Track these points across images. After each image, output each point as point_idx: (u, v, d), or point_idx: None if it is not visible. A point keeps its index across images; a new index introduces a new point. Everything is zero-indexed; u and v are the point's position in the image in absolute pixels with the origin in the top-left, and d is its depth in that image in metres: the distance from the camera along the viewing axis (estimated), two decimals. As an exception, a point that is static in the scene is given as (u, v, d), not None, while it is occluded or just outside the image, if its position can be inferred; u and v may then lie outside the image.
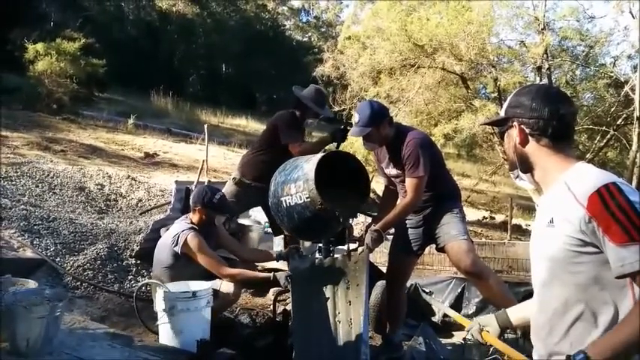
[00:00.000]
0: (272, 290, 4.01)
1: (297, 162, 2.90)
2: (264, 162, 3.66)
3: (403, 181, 3.08)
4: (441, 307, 2.25)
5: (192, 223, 3.30)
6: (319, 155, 2.76)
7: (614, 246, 1.20)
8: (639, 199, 1.23)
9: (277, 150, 3.56)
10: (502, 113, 1.50)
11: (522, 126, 1.42)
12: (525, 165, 1.45)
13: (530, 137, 1.41)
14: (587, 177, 1.31)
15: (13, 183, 6.01)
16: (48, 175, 6.61)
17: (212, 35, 25.71)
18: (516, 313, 1.66)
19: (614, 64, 12.36)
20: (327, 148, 3.86)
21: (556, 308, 1.35)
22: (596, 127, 11.99)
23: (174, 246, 3.20)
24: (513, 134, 1.45)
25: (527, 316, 1.60)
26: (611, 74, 11.99)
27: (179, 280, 3.17)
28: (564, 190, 1.31)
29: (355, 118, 3.02)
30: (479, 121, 9.49)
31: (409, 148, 2.95)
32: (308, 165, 2.71)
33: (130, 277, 4.23)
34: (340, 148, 3.73)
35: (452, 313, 2.06)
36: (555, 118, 1.38)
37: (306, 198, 2.65)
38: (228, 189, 3.85)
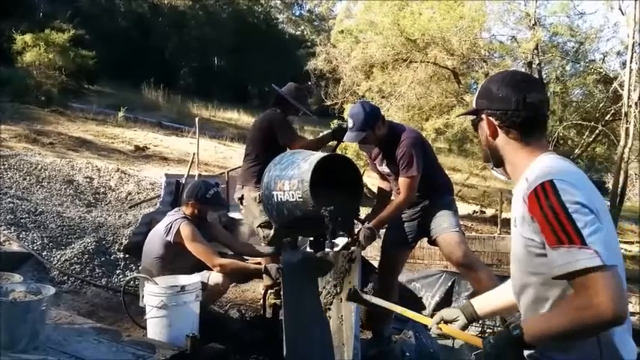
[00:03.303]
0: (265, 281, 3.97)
1: (294, 157, 2.87)
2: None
3: (396, 179, 3.10)
4: (389, 305, 2.15)
5: (185, 214, 3.29)
6: (317, 157, 2.72)
7: (549, 248, 1.18)
8: (576, 197, 1.18)
9: (276, 153, 3.36)
10: (473, 103, 1.44)
11: (491, 118, 1.37)
12: (496, 158, 1.41)
13: (499, 129, 1.36)
14: (535, 173, 1.26)
15: (0, 176, 5.93)
16: (36, 167, 6.53)
17: (204, 28, 25.47)
18: (482, 304, 1.61)
19: (604, 60, 12.46)
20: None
21: (527, 305, 1.35)
22: (585, 123, 12.08)
23: (167, 236, 3.18)
24: (484, 126, 1.40)
25: (493, 306, 1.58)
26: (601, 70, 12.07)
27: (169, 271, 3.15)
28: (525, 188, 1.27)
29: (349, 123, 3.01)
30: (470, 117, 9.52)
31: (402, 148, 2.96)
32: (305, 165, 2.68)
33: (118, 272, 4.20)
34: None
35: (400, 309, 2.01)
36: (522, 107, 1.31)
37: (299, 198, 2.63)
38: (256, 210, 3.53)
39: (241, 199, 3.67)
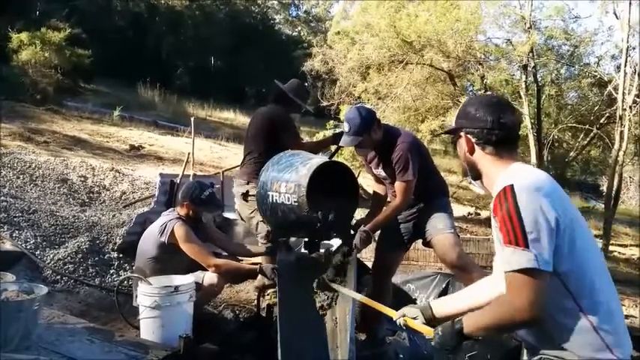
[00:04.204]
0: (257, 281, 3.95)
1: (293, 159, 2.86)
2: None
3: (392, 183, 3.12)
4: (358, 297, 2.29)
5: (179, 215, 3.28)
6: (316, 162, 2.71)
7: (502, 245, 1.34)
8: (530, 202, 1.31)
9: (279, 151, 3.27)
10: (453, 123, 1.62)
11: (469, 135, 1.54)
12: (474, 172, 1.58)
13: (476, 146, 1.53)
14: (504, 180, 1.41)
15: (-6, 174, 5.89)
16: (30, 166, 6.49)
17: (201, 28, 25.41)
18: (440, 308, 1.72)
19: (598, 63, 12.52)
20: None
21: None
22: (580, 126, 12.15)
23: (161, 236, 3.16)
24: (462, 143, 1.56)
25: (450, 311, 1.68)
26: (595, 74, 12.14)
27: (162, 272, 3.14)
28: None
29: (345, 127, 3.02)
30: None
31: (398, 152, 2.98)
32: (303, 169, 2.67)
33: (111, 271, 4.17)
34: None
35: (368, 301, 2.13)
36: (497, 126, 1.48)
37: (294, 202, 2.63)
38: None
39: (245, 194, 3.57)
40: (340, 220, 2.82)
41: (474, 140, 1.53)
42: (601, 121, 12.11)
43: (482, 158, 1.53)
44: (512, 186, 1.34)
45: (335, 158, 3.82)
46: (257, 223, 3.51)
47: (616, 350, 1.35)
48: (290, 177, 2.71)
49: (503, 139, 1.50)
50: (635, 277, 8.90)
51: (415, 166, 2.98)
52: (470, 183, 1.65)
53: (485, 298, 1.56)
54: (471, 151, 1.55)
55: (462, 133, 1.56)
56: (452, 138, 1.65)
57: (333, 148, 3.71)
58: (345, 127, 3.02)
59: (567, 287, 1.35)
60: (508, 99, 11.74)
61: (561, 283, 1.35)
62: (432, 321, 1.69)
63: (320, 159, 2.87)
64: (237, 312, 3.81)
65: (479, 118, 1.51)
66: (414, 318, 1.72)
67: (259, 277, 3.31)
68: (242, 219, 3.74)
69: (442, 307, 1.72)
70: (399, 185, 3.02)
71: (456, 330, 1.45)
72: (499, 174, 1.47)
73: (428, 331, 1.62)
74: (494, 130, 1.48)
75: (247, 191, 3.55)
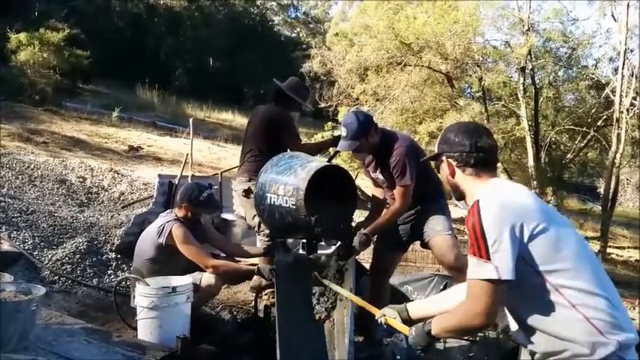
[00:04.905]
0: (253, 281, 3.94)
1: (292, 162, 2.87)
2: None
3: (389, 187, 3.15)
4: (346, 294, 2.45)
5: (177, 216, 3.28)
6: (315, 166, 2.71)
7: (468, 255, 1.46)
8: (493, 217, 1.41)
9: (278, 150, 3.29)
10: (435, 149, 1.74)
11: (449, 159, 1.66)
12: (457, 193, 1.69)
13: (457, 169, 1.65)
14: (477, 195, 1.52)
15: (-8, 175, 5.89)
16: (28, 167, 6.49)
17: (200, 29, 25.42)
18: (415, 310, 1.83)
19: (596, 66, 12.55)
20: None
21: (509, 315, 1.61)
22: (577, 128, 12.18)
23: (159, 237, 3.17)
24: (445, 167, 1.69)
25: (424, 313, 1.79)
26: (593, 76, 12.17)
27: (160, 273, 3.14)
28: None
29: (343, 132, 3.04)
30: (464, 120, 9.61)
31: (395, 157, 3.00)
32: (302, 173, 2.68)
33: (109, 272, 4.18)
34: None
35: (355, 299, 2.28)
36: (475, 150, 1.61)
37: (292, 205, 2.64)
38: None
39: (247, 191, 3.52)
40: (338, 223, 2.83)
41: (454, 164, 1.65)
42: (598, 124, 12.15)
43: (463, 180, 1.64)
44: (478, 201, 1.46)
45: (334, 161, 3.83)
46: (260, 222, 3.50)
47: (618, 334, 1.39)
48: (289, 180, 2.72)
49: (481, 161, 1.61)
50: (633, 279, 8.93)
51: (413, 171, 3.00)
52: (455, 205, 1.77)
53: (456, 302, 1.62)
54: (453, 174, 1.66)
55: (444, 158, 1.67)
56: (435, 163, 1.76)
57: (332, 150, 3.72)
58: (343, 131, 3.04)
59: (557, 286, 1.42)
60: (505, 101, 11.81)
61: (548, 283, 1.42)
62: (408, 322, 1.79)
63: (319, 162, 2.88)
64: (234, 313, 3.81)
65: (458, 143, 1.63)
66: (393, 318, 1.82)
67: (255, 277, 3.32)
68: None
69: (417, 309, 1.85)
70: (397, 190, 3.05)
71: (425, 331, 1.60)
72: (478, 192, 1.57)
73: (405, 330, 1.74)
74: (473, 153, 1.60)
75: (249, 188, 3.54)
